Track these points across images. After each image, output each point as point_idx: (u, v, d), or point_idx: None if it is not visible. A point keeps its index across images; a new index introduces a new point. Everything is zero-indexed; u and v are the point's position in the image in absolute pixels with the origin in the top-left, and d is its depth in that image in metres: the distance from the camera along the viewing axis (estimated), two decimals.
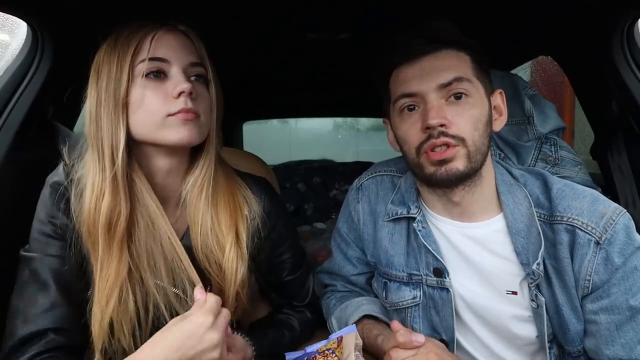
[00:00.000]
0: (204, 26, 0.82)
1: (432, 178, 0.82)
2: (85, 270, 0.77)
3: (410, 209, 0.92)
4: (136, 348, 0.74)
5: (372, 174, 1.05)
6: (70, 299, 0.76)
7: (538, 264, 0.80)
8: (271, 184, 1.01)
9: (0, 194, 0.96)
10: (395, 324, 0.81)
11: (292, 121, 5.22)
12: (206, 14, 1.10)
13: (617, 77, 1.11)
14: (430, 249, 0.88)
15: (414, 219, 0.91)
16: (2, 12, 0.93)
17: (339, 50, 1.50)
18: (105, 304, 0.73)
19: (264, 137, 4.10)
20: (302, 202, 2.56)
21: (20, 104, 1.02)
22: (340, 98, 2.41)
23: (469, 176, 0.82)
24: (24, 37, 1.04)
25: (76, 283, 0.77)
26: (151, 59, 0.74)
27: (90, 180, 0.75)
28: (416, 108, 0.82)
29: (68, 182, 0.78)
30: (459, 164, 0.79)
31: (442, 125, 0.78)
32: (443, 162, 0.79)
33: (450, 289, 0.88)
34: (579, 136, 3.98)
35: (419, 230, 0.90)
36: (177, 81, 0.75)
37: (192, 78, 0.78)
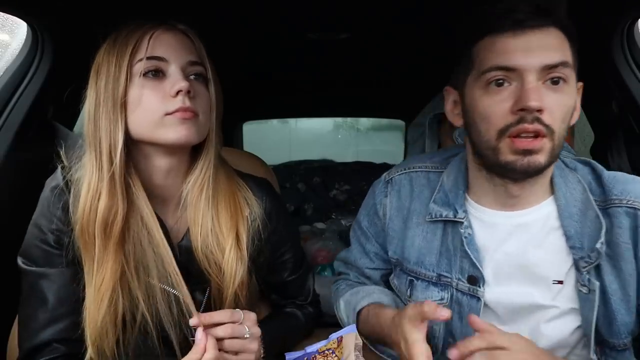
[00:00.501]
0: (204, 26, 0.82)
1: (507, 166, 0.74)
2: (78, 270, 0.77)
3: (458, 212, 0.86)
4: (118, 354, 0.75)
5: (404, 169, 0.97)
6: (70, 310, 0.77)
7: (602, 242, 0.75)
8: (272, 185, 1.01)
9: (0, 193, 0.96)
10: (428, 302, 0.74)
11: (292, 121, 5.22)
12: (206, 13, 1.10)
13: (617, 77, 1.11)
14: (472, 257, 0.82)
15: (461, 223, 0.85)
16: (2, 12, 0.93)
17: (339, 50, 1.50)
18: (99, 303, 0.73)
19: (264, 137, 4.09)
20: (302, 202, 2.56)
21: (20, 104, 1.02)
22: (340, 98, 2.41)
23: (543, 170, 0.76)
24: (24, 37, 1.04)
25: (74, 289, 0.77)
26: (149, 58, 0.74)
27: (87, 180, 0.75)
28: (505, 84, 0.73)
29: (66, 184, 0.78)
30: (542, 158, 0.72)
31: (538, 111, 0.70)
32: (528, 152, 0.71)
33: (481, 298, 0.82)
34: (579, 136, 3.97)
35: (465, 237, 0.84)
36: (175, 80, 0.74)
37: (191, 77, 0.78)
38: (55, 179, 0.80)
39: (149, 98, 0.74)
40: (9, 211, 0.95)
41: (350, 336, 0.83)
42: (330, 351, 0.82)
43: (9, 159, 0.97)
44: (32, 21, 0.98)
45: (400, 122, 2.78)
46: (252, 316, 0.80)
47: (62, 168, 0.80)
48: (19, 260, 0.79)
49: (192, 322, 0.72)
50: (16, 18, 0.97)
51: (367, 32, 1.31)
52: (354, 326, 0.87)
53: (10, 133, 0.99)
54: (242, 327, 0.77)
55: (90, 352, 0.74)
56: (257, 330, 0.79)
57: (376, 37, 1.37)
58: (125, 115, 0.74)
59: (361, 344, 0.82)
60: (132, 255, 0.77)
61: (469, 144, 0.84)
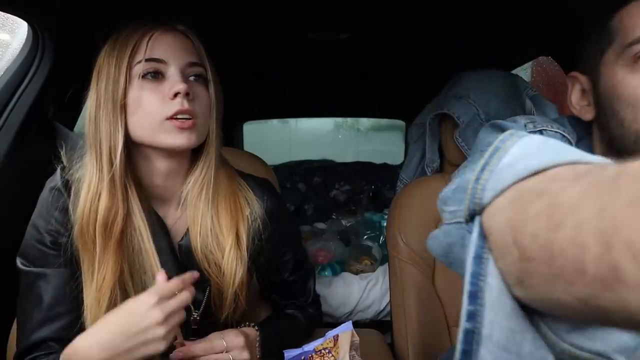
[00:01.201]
0: (204, 26, 0.82)
1: None
2: (76, 270, 0.77)
3: None
4: None
5: (550, 127, 0.70)
6: (66, 309, 0.77)
7: None
8: (274, 185, 1.01)
9: (0, 193, 0.96)
10: None
11: (292, 121, 5.21)
12: (206, 13, 1.10)
13: None
14: None
15: None
16: (3, 11, 0.93)
17: (339, 50, 1.50)
18: (100, 303, 0.74)
19: (264, 137, 4.09)
20: (302, 202, 2.56)
21: (21, 104, 1.02)
22: (340, 98, 2.41)
23: None
24: (25, 37, 1.04)
25: (71, 288, 0.77)
26: (148, 60, 0.74)
27: (87, 180, 0.75)
28: None
29: (65, 185, 0.78)
30: None
31: None
32: None
33: None
34: None
35: None
36: (174, 82, 0.74)
37: (191, 78, 0.78)
38: (54, 180, 0.80)
39: (148, 100, 0.74)
40: (8, 211, 0.95)
41: (345, 335, 0.83)
42: (327, 350, 0.83)
43: (9, 159, 0.98)
44: (32, 21, 0.98)
45: (400, 122, 2.78)
46: (238, 342, 0.80)
47: (62, 169, 0.80)
48: (18, 261, 0.79)
49: (174, 356, 0.74)
50: (17, 18, 0.97)
51: (367, 32, 1.31)
52: (349, 324, 0.87)
53: (10, 133, 0.99)
54: (227, 356, 0.78)
55: None
56: (245, 356, 0.80)
57: (376, 37, 1.37)
58: (126, 118, 0.75)
59: (358, 341, 0.82)
60: (127, 256, 0.77)
61: (600, 142, 0.66)
